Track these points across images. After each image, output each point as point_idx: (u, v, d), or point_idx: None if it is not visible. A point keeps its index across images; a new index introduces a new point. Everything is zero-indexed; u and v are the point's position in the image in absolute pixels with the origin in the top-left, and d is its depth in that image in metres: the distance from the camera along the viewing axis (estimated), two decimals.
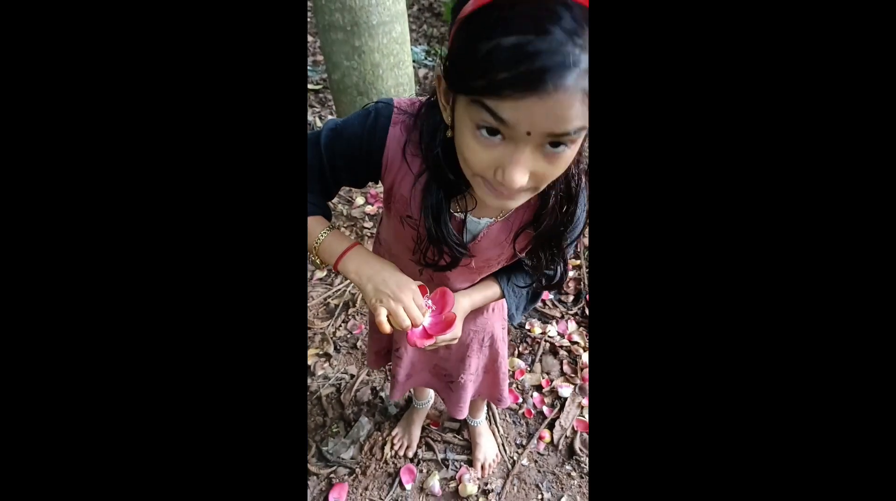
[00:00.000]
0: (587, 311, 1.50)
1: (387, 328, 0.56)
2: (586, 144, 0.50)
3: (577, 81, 0.37)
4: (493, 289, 0.73)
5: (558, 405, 1.28)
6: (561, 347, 1.41)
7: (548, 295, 1.53)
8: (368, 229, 1.80)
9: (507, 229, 0.61)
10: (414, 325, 0.57)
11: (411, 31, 2.80)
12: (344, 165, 0.57)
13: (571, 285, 1.57)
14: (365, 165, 0.57)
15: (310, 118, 2.39)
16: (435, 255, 0.61)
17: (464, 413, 0.99)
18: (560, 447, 1.21)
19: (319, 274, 1.63)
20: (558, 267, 0.66)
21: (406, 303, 0.56)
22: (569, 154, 0.43)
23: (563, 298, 1.55)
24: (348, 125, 0.56)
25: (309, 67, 2.76)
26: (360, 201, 1.93)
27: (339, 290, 1.58)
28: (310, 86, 2.61)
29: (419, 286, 0.60)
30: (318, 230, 0.60)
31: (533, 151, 0.41)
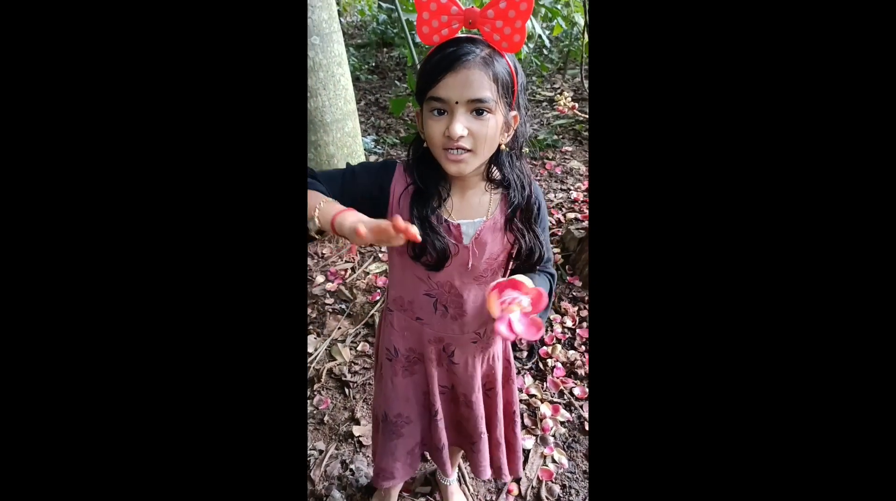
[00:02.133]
0: (541, 365, 1.62)
1: (363, 230, 0.55)
2: (513, 132, 0.73)
3: (475, 61, 0.64)
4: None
5: (522, 458, 1.34)
6: (520, 401, 1.50)
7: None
8: (330, 304, 1.88)
9: (496, 224, 0.80)
10: (401, 230, 0.53)
11: (360, 123, 3.07)
12: (363, 191, 0.77)
13: (524, 341, 1.69)
14: (380, 189, 0.78)
15: None
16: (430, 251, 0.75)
17: (487, 472, 1.02)
18: (528, 498, 1.26)
19: None
20: (537, 246, 0.81)
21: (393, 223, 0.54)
22: (490, 119, 0.67)
23: (517, 354, 1.66)
24: (367, 164, 0.82)
25: None
26: (319, 278, 2.01)
27: None
28: None
29: (496, 285, 0.69)
30: (319, 198, 0.67)
31: (464, 115, 0.67)
